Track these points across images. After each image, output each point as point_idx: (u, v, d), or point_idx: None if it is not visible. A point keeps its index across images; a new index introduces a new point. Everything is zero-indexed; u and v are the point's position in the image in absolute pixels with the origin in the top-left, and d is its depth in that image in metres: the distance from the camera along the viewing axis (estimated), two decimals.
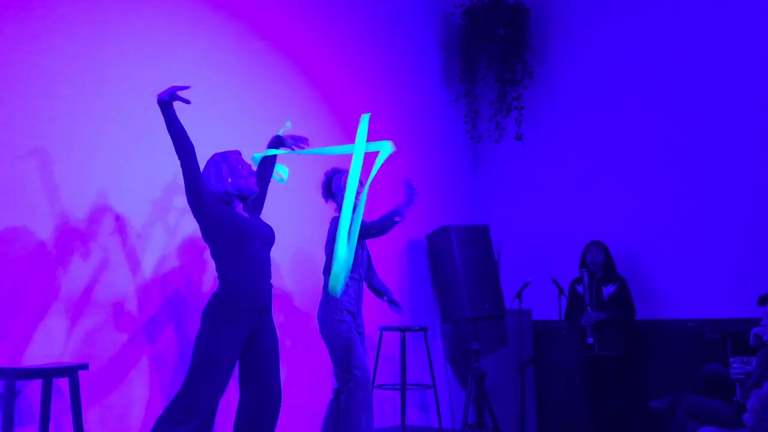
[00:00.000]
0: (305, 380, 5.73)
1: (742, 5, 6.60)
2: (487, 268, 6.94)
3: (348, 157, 4.13)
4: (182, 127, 3.83)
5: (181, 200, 4.37)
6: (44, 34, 4.31)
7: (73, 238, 4.33)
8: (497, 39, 7.38)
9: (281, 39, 5.86)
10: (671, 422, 5.23)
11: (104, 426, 4.39)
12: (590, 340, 6.29)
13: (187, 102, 3.81)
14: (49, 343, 4.16)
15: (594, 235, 6.80)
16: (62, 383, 4.11)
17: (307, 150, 4.52)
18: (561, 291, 6.71)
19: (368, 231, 4.88)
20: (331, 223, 5.03)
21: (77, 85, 4.45)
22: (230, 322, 3.89)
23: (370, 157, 4.17)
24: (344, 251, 3.92)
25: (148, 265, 4.73)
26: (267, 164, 4.52)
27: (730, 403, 4.92)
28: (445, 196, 7.49)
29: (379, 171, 4.53)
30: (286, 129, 4.62)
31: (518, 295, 6.83)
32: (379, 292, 5.39)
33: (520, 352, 6.96)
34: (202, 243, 4.19)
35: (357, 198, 4.09)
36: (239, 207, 4.16)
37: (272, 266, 4.20)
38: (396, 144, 4.27)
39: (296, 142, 4.51)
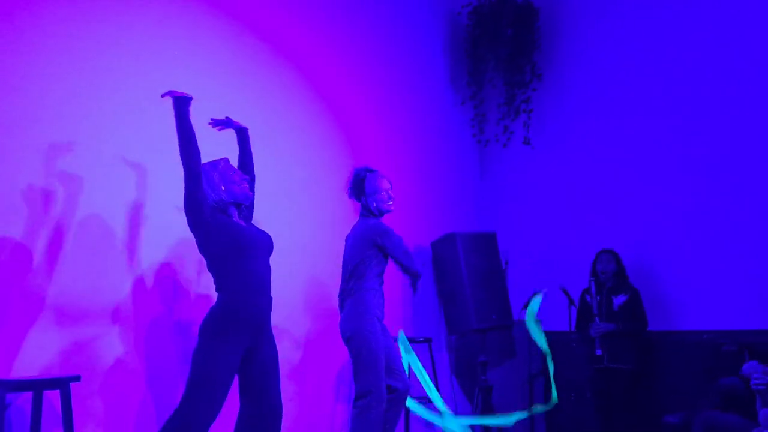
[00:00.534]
0: (306, 392, 5.63)
1: (757, 5, 6.42)
2: (494, 277, 6.82)
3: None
4: (193, 127, 3.81)
5: (175, 208, 4.29)
6: (41, 38, 4.27)
7: (65, 247, 4.27)
8: (505, 40, 7.28)
9: (284, 41, 5.81)
10: None
11: None
12: (599, 352, 6.18)
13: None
14: (41, 355, 4.10)
15: (606, 243, 6.64)
16: (53, 396, 4.03)
17: None
18: (571, 301, 6.56)
19: (405, 261, 4.83)
20: (364, 225, 4.86)
21: (73, 88, 4.39)
22: (229, 337, 3.83)
23: None
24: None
25: (143, 276, 4.65)
26: (246, 161, 4.41)
27: (747, 418, 4.77)
28: (451, 202, 7.38)
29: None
30: None
31: (527, 306, 6.65)
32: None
33: (529, 365, 6.80)
34: (199, 254, 4.06)
35: None
36: (235, 214, 4.09)
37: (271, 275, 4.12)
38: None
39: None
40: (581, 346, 6.54)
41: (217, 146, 4.28)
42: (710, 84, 6.60)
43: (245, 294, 3.89)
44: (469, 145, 7.68)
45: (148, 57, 4.81)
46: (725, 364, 6.05)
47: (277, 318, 4.23)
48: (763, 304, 6.03)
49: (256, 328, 3.93)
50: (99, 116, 4.47)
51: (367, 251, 4.75)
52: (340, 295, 4.89)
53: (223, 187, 4.00)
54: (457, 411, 6.98)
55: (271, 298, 4.05)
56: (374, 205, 4.85)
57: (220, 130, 4.35)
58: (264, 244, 4.06)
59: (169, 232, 4.73)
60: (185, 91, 3.85)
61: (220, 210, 4.00)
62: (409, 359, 4.27)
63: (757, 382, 4.54)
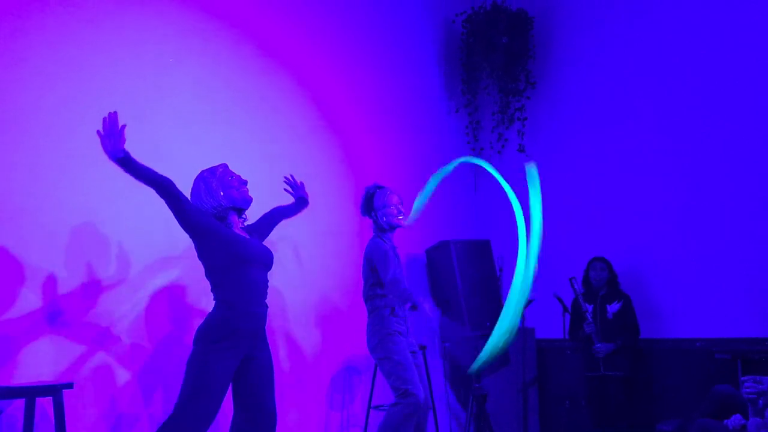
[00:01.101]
0: (300, 400, 5.60)
1: (752, 12, 6.43)
2: (488, 284, 6.75)
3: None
4: (148, 169, 3.69)
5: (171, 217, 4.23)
6: (41, 38, 4.27)
7: (59, 254, 4.25)
8: (499, 48, 7.26)
9: (278, 48, 5.79)
10: None
11: None
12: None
13: (121, 135, 3.60)
14: (34, 362, 4.06)
15: (599, 250, 6.64)
16: (46, 403, 3.98)
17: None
18: (565, 308, 6.56)
19: (391, 288, 4.66)
20: (368, 245, 4.84)
21: (65, 97, 4.38)
22: (225, 345, 3.78)
23: None
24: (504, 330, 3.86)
25: (137, 283, 4.63)
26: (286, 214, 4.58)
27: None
28: (445, 210, 7.33)
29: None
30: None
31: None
32: None
33: (523, 372, 6.78)
34: (196, 261, 4.02)
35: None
36: (236, 222, 4.04)
37: (270, 288, 4.10)
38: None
39: None
40: (575, 354, 6.54)
41: (211, 159, 4.27)
42: (703, 91, 6.62)
43: (242, 303, 3.85)
44: (463, 153, 7.60)
45: (149, 57, 4.82)
46: (719, 371, 6.07)
47: (272, 326, 4.21)
48: (755, 312, 6.03)
49: (253, 337, 3.89)
50: (89, 126, 4.43)
51: (371, 273, 4.76)
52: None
53: (221, 193, 3.94)
54: (451, 418, 6.97)
55: (267, 306, 4.02)
56: (384, 219, 4.84)
57: (285, 189, 4.60)
58: (264, 259, 4.01)
59: (163, 239, 4.68)
60: (107, 124, 3.61)
61: (219, 217, 3.95)
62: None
63: (748, 390, 4.54)
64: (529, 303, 6.60)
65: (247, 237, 4.04)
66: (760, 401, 4.55)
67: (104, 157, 4.47)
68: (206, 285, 3.97)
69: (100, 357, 4.38)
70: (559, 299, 6.56)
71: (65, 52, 4.40)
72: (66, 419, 3.86)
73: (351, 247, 5.98)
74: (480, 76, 7.46)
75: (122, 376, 4.48)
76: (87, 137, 4.36)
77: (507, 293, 7.01)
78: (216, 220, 3.93)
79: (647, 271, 6.74)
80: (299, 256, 5.64)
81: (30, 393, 3.77)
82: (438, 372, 6.87)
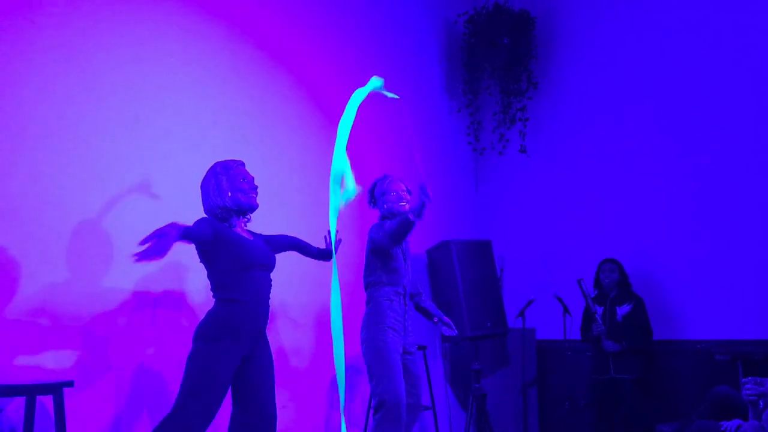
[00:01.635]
0: (300, 400, 5.60)
1: (752, 12, 6.43)
2: (489, 285, 6.78)
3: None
4: (162, 250, 3.50)
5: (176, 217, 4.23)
6: (41, 38, 4.27)
7: (59, 254, 4.25)
8: (501, 48, 7.26)
9: (279, 48, 5.79)
10: None
11: None
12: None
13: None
14: (34, 359, 4.05)
15: (601, 251, 6.64)
16: (47, 401, 3.97)
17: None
18: (566, 309, 6.54)
19: (385, 235, 4.54)
20: (370, 231, 4.76)
21: (66, 93, 4.38)
22: (226, 343, 3.76)
23: None
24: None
25: (138, 281, 4.62)
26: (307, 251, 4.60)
27: None
28: (447, 210, 7.32)
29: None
30: None
31: (521, 314, 6.66)
32: (429, 313, 5.01)
33: (523, 373, 6.79)
34: (197, 261, 4.01)
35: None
36: (237, 222, 4.01)
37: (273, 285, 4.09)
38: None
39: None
40: (576, 355, 6.53)
41: (215, 155, 4.27)
42: (706, 91, 6.60)
43: (244, 303, 3.83)
44: (464, 153, 7.66)
45: (148, 58, 4.82)
46: (719, 373, 6.06)
47: (271, 325, 4.20)
48: (755, 314, 6.01)
49: (254, 337, 3.88)
50: (98, 120, 4.47)
51: (372, 256, 4.69)
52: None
53: (229, 194, 3.92)
54: (451, 419, 6.97)
55: (269, 305, 4.01)
56: (385, 206, 4.78)
57: (327, 242, 4.55)
58: (266, 261, 4.00)
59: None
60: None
61: (221, 218, 3.93)
62: None
63: (749, 392, 4.53)
64: (529, 303, 6.65)
65: (251, 239, 4.02)
66: (761, 403, 4.53)
67: (104, 157, 4.50)
68: (207, 284, 3.97)
69: (101, 355, 4.37)
70: (560, 300, 6.55)
71: (65, 52, 4.39)
72: (66, 417, 3.84)
73: (351, 247, 5.98)
74: (481, 77, 7.46)
75: (123, 374, 4.47)
76: (87, 137, 4.42)
77: (507, 293, 7.11)
78: (218, 222, 3.91)
79: (649, 273, 6.70)
80: (299, 255, 5.62)
81: (30, 391, 3.75)
82: (438, 372, 6.88)
